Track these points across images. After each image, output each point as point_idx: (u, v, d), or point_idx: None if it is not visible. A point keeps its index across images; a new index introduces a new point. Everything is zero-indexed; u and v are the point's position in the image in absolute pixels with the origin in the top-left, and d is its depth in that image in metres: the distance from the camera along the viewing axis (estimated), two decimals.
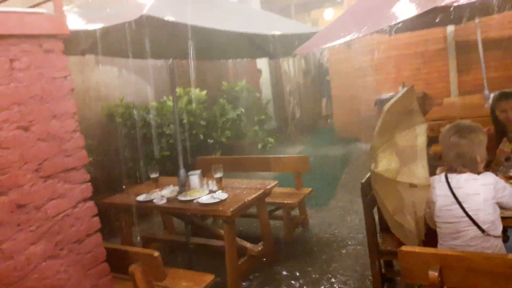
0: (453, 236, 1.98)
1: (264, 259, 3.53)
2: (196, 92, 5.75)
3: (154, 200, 3.26)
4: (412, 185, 1.98)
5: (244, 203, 3.08)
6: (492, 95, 3.92)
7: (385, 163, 2.13)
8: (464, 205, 1.94)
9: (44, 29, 1.94)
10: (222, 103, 5.85)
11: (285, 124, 9.25)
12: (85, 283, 2.03)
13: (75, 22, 2.68)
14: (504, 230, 1.99)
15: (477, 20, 4.82)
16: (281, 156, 4.49)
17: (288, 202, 3.91)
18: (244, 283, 3.30)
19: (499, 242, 1.95)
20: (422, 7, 2.11)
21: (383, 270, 2.84)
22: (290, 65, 9.88)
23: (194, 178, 3.36)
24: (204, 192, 3.28)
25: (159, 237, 4.07)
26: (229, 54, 4.40)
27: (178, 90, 5.69)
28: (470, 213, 1.92)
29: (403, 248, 1.87)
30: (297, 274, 3.38)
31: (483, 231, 1.90)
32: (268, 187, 3.40)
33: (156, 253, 2.13)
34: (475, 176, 1.99)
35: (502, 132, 2.80)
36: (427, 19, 4.31)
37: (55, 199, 1.95)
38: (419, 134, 2.07)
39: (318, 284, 3.20)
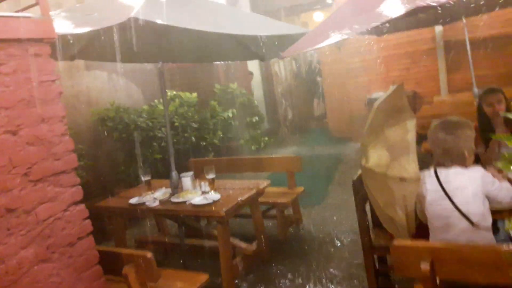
0: (444, 230, 2.00)
1: (259, 258, 3.53)
2: (187, 95, 5.76)
3: (146, 203, 3.25)
4: (402, 179, 2.00)
5: (237, 203, 3.08)
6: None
7: (376, 158, 2.15)
8: (454, 199, 1.96)
9: (31, 33, 1.93)
10: (213, 105, 5.86)
11: (277, 125, 9.28)
12: (78, 286, 2.02)
13: (63, 26, 2.68)
14: (494, 222, 2.01)
15: (464, 20, 4.89)
16: (274, 156, 4.51)
17: (281, 201, 3.92)
18: (238, 283, 3.30)
19: (489, 234, 1.98)
20: (407, 6, 2.13)
21: (377, 265, 2.85)
22: (281, 67, 9.91)
23: (187, 180, 3.36)
24: (197, 193, 3.27)
25: (153, 239, 4.06)
26: (219, 57, 4.42)
27: (169, 93, 5.70)
28: (459, 206, 1.94)
29: (395, 242, 1.88)
30: (292, 272, 3.39)
31: (473, 223, 1.92)
32: (261, 186, 3.41)
33: (149, 254, 2.13)
34: (464, 170, 2.01)
35: (487, 127, 2.83)
36: (415, 20, 4.36)
37: (46, 203, 1.94)
38: (409, 130, 2.09)
39: (313, 282, 3.21)
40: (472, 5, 3.87)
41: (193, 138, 5.40)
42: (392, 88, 2.29)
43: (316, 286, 3.15)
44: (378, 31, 4.38)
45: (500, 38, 5.91)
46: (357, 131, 5.90)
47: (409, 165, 2.00)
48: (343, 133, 7.82)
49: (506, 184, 2.03)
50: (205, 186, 3.34)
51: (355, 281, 3.12)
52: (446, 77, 6.43)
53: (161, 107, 5.22)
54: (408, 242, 1.93)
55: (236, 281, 3.27)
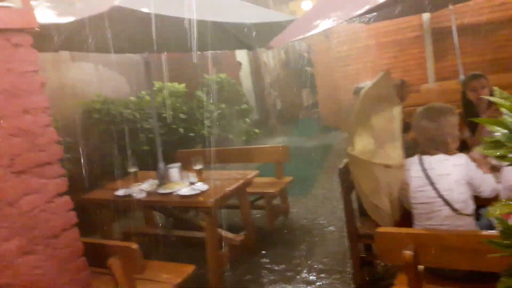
0: (428, 217, 2.02)
1: (246, 249, 3.55)
2: (175, 86, 5.71)
3: (133, 194, 3.23)
4: (387, 166, 2.02)
5: (225, 194, 3.08)
6: None
7: (362, 146, 2.15)
8: (437, 186, 1.98)
9: (12, 23, 1.89)
10: (200, 96, 5.82)
11: (266, 115, 9.26)
12: (63, 278, 2.01)
13: (45, 15, 2.63)
14: (477, 208, 2.04)
15: (450, 7, 4.89)
16: (262, 146, 4.51)
17: (269, 191, 3.93)
18: (226, 273, 3.31)
19: (472, 220, 2.00)
20: None
21: (362, 253, 2.88)
22: (269, 57, 9.87)
23: (174, 171, 3.35)
24: (184, 184, 3.27)
25: (140, 231, 4.04)
26: (206, 46, 4.37)
27: (157, 84, 5.65)
28: (443, 193, 1.96)
29: (379, 229, 1.90)
30: (279, 262, 3.41)
31: (455, 210, 1.95)
32: (249, 177, 3.41)
33: (134, 245, 2.12)
34: (447, 157, 2.03)
35: (472, 112, 2.87)
36: (402, 7, 4.36)
37: (30, 195, 1.92)
38: (394, 117, 2.10)
39: (300, 271, 3.23)
40: None
41: (181, 129, 5.37)
42: (379, 75, 2.29)
43: (303, 276, 3.18)
44: (366, 18, 4.38)
45: (487, 25, 5.93)
46: (347, 120, 5.91)
47: (394, 152, 2.01)
48: (335, 122, 7.84)
49: (489, 175, 2.06)
50: (193, 177, 3.34)
51: (341, 269, 3.15)
52: (433, 64, 6.45)
53: (148, 98, 5.17)
54: (392, 229, 1.95)
55: (223, 271, 3.28)
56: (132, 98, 5.45)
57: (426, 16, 6.33)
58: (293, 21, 3.17)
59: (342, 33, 6.89)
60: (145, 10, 2.48)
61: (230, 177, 3.42)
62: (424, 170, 2.02)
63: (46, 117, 2.02)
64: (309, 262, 3.33)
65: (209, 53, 7.09)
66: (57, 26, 2.66)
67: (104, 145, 5.02)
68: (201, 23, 2.97)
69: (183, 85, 5.81)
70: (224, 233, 3.46)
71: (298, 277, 3.16)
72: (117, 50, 3.95)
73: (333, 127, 7.85)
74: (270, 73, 9.75)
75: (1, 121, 1.83)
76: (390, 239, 1.87)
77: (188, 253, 3.60)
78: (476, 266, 1.71)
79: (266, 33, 3.22)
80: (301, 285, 3.06)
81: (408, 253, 1.75)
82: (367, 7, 2.20)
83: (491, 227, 2.04)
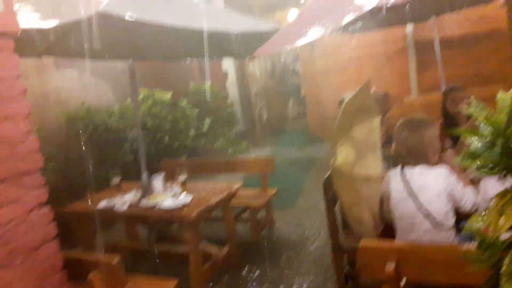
0: (409, 230, 2.03)
1: (230, 263, 3.50)
2: (160, 94, 5.68)
3: (115, 206, 3.18)
4: (367, 178, 2.03)
5: (209, 206, 3.05)
6: None
7: (343, 157, 2.16)
8: (418, 198, 1.99)
9: None
10: (182, 106, 5.80)
11: (252, 125, 9.27)
12: None
13: (28, 20, 2.60)
14: (457, 222, 2.06)
15: (433, 19, 4.98)
16: (247, 158, 4.49)
17: (254, 204, 3.90)
18: None
19: (453, 233, 2.02)
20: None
21: (346, 267, 2.88)
22: (256, 67, 9.91)
23: (157, 181, 3.31)
24: (168, 195, 3.23)
25: (122, 244, 3.97)
26: (191, 54, 4.36)
27: (142, 93, 5.61)
28: (424, 205, 1.98)
29: (362, 243, 1.90)
30: (262, 276, 3.37)
31: (436, 223, 1.96)
32: (233, 188, 3.39)
33: (116, 260, 2.08)
34: (428, 169, 2.05)
35: (452, 123, 2.92)
36: (386, 18, 4.42)
37: (8, 205, 1.87)
38: (374, 127, 2.11)
39: (284, 285, 3.20)
40: (442, 4, 3.96)
41: (166, 139, 5.33)
42: (360, 87, 2.31)
43: None
44: (350, 30, 4.43)
45: (468, 38, 6.06)
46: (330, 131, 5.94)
47: (374, 163, 2.03)
48: (322, 133, 7.87)
49: (470, 188, 2.08)
50: (177, 188, 3.30)
51: (325, 285, 3.13)
52: (416, 76, 6.55)
53: (133, 106, 5.13)
54: (374, 243, 1.95)
55: (207, 286, 3.24)
56: (116, 106, 5.40)
57: (409, 28, 6.44)
58: (278, 31, 3.17)
59: (327, 44, 6.95)
60: (129, 17, 2.46)
61: (214, 189, 3.39)
62: (405, 182, 2.04)
63: (27, 125, 1.99)
64: (292, 277, 3.30)
65: (195, 61, 7.12)
66: (40, 31, 2.62)
67: (88, 155, 4.95)
68: (187, 31, 2.95)
69: (169, 93, 5.79)
70: (208, 246, 3.42)
71: None
72: (102, 56, 3.93)
73: (320, 137, 7.89)
74: (256, 83, 9.78)
75: None
76: (373, 253, 1.87)
77: (171, 267, 3.54)
78: (456, 280, 1.72)
79: (251, 42, 3.22)
80: None
81: (390, 267, 1.75)
82: (351, 17, 2.22)
83: (472, 240, 2.06)
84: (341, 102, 6.66)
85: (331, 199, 2.63)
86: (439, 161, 2.16)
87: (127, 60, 3.67)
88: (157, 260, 3.51)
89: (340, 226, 2.79)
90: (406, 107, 5.89)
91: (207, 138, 6.04)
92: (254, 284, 3.28)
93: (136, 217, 3.43)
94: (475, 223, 1.23)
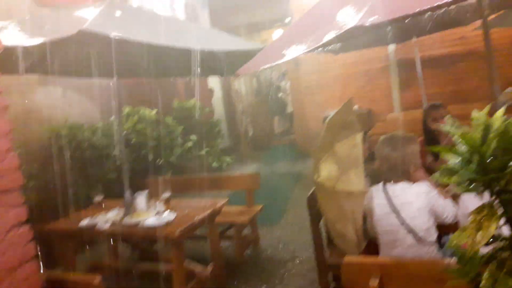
0: (392, 245, 2.05)
1: (214, 282, 3.44)
2: (145, 111, 5.67)
3: (98, 225, 3.13)
4: (349, 193, 2.05)
5: (193, 224, 3.01)
6: None
7: (326, 172, 2.18)
8: (401, 214, 2.02)
9: None
10: (167, 123, 5.79)
11: (238, 142, 9.28)
12: None
13: (11, 38, 2.59)
14: (439, 236, 2.09)
15: (414, 39, 5.12)
16: (232, 174, 4.48)
17: (239, 220, 3.86)
18: None
19: (435, 248, 2.05)
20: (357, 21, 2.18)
21: (331, 283, 2.87)
22: (241, 84, 9.98)
23: (141, 199, 3.27)
24: (151, 213, 3.19)
25: (105, 264, 3.88)
26: (177, 72, 4.39)
27: (127, 109, 5.60)
28: (406, 221, 2.00)
29: (346, 259, 1.90)
30: None
31: (419, 238, 1.99)
32: (218, 205, 3.36)
33: (97, 280, 2.03)
34: (410, 185, 2.08)
35: (432, 140, 2.99)
36: (368, 38, 4.53)
37: None
38: (356, 143, 2.14)
39: None
40: (422, 25, 4.08)
41: (151, 156, 5.30)
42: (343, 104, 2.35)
43: None
44: (334, 48, 4.52)
45: (449, 57, 6.24)
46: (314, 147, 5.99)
47: (357, 178, 2.05)
48: (310, 149, 7.90)
49: (450, 202, 2.12)
50: (160, 205, 3.27)
51: None
52: (399, 94, 6.69)
53: (116, 124, 5.11)
54: (358, 259, 1.95)
55: None
56: (99, 124, 5.36)
57: (391, 47, 6.59)
58: (262, 50, 3.21)
59: (311, 63, 7.07)
60: (113, 35, 2.46)
61: (198, 206, 3.35)
62: (387, 198, 2.07)
63: (7, 142, 1.96)
64: None
65: (182, 80, 7.15)
66: (24, 49, 2.61)
67: (70, 172, 4.88)
68: (172, 50, 2.97)
69: (154, 111, 5.78)
70: (192, 265, 3.37)
71: None
72: (86, 74, 3.92)
73: (307, 153, 7.93)
74: (242, 100, 9.84)
75: None
76: (357, 269, 1.88)
77: (154, 286, 3.47)
78: None
79: (237, 61, 3.25)
80: None
81: (374, 282, 1.76)
82: (332, 35, 2.26)
83: (453, 255, 2.08)
84: (325, 118, 6.74)
85: (316, 215, 2.64)
86: (421, 176, 2.20)
87: (112, 78, 3.67)
88: (140, 280, 3.44)
89: (325, 242, 2.79)
90: (389, 124, 5.99)
91: (192, 155, 6.02)
92: None
93: (118, 236, 3.37)
94: (457, 239, 1.25)
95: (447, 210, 2.06)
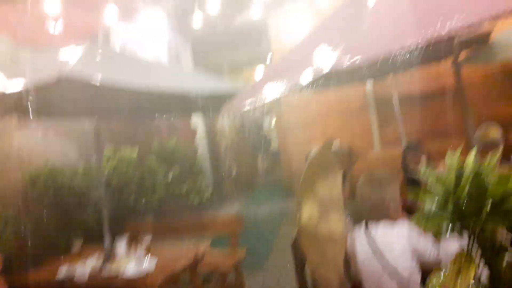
0: (376, 287, 2.02)
1: None
2: (126, 152, 5.62)
3: (76, 275, 3.00)
4: (331, 236, 2.02)
5: (174, 272, 2.91)
6: None
7: (307, 215, 2.16)
8: (384, 256, 2.00)
9: None
10: (150, 163, 5.74)
11: (221, 181, 9.22)
12: None
13: None
14: (423, 278, 2.06)
15: (390, 77, 5.27)
16: (214, 216, 4.40)
17: (223, 266, 3.74)
18: None
19: None
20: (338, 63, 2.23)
21: None
22: (225, 122, 10.04)
23: (120, 245, 3.18)
24: (131, 261, 3.07)
25: None
26: (159, 112, 4.40)
27: (108, 150, 5.54)
28: (390, 263, 1.98)
29: None
30: None
31: (403, 280, 1.96)
32: (200, 251, 3.23)
33: None
34: (392, 225, 2.08)
35: (412, 179, 3.03)
36: (346, 76, 4.64)
37: None
38: (336, 183, 2.14)
39: None
40: (397, 63, 4.21)
41: (132, 198, 5.21)
42: (323, 143, 2.36)
43: None
44: (315, 87, 4.61)
45: (425, 94, 6.38)
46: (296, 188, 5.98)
47: (337, 221, 2.03)
48: (293, 189, 7.87)
49: (432, 239, 2.11)
50: (140, 251, 3.17)
51: None
52: (378, 132, 6.79)
53: (97, 166, 5.04)
54: None
55: None
56: (80, 166, 5.28)
57: (369, 85, 6.75)
58: (244, 89, 3.25)
59: (292, 99, 7.17)
60: (95, 81, 2.47)
61: (180, 252, 3.24)
62: (370, 241, 2.05)
63: None
64: None
65: (163, 118, 7.16)
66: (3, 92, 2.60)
67: (49, 218, 4.74)
68: (154, 92, 2.99)
69: (135, 151, 5.73)
70: None
71: None
72: (66, 115, 3.89)
73: (292, 193, 7.89)
74: (225, 138, 9.87)
75: None
76: None
77: None
78: None
79: (219, 100, 3.28)
80: None
81: None
82: (310, 76, 2.31)
83: None
84: (307, 156, 6.79)
85: (300, 259, 2.59)
86: (402, 216, 2.20)
87: (92, 119, 3.66)
88: None
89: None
90: (370, 162, 6.06)
91: (173, 192, 5.94)
92: None
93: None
94: (436, 279, 1.25)
95: (429, 248, 2.05)
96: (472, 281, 1.20)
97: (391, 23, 1.91)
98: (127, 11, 6.27)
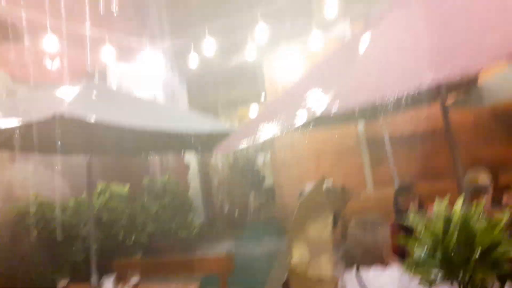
0: None
1: None
2: (117, 188, 5.59)
3: None
4: (320, 280, 2.00)
5: None
6: None
7: (298, 257, 2.14)
8: None
9: None
10: (142, 200, 5.71)
11: (213, 218, 9.13)
12: None
13: None
14: None
15: (381, 118, 5.35)
16: (204, 255, 4.33)
17: None
18: None
19: None
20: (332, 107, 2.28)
21: None
22: (218, 159, 10.05)
23: (108, 285, 3.11)
24: None
25: None
26: (152, 150, 4.42)
27: (99, 186, 5.51)
28: None
29: None
30: None
31: None
32: None
33: None
34: (383, 269, 2.06)
35: (404, 220, 3.03)
36: (337, 117, 4.72)
37: None
38: (326, 225, 2.13)
39: None
40: (387, 105, 4.30)
41: (121, 235, 5.13)
42: (315, 183, 2.36)
43: None
44: (307, 126, 4.67)
45: (416, 135, 6.49)
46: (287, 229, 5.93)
47: (326, 264, 2.02)
48: (287, 227, 7.79)
49: None
50: None
51: None
52: (370, 171, 6.83)
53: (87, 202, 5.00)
54: None
55: None
56: (70, 201, 5.23)
57: (361, 124, 6.85)
58: (238, 129, 3.30)
59: (285, 137, 7.24)
60: (89, 119, 2.50)
61: None
62: (361, 284, 2.03)
63: None
64: None
65: (156, 156, 7.17)
66: None
67: (36, 254, 4.64)
68: (148, 131, 3.02)
69: (127, 187, 5.70)
70: None
71: None
72: (59, 151, 3.89)
73: (284, 231, 7.80)
74: (218, 174, 9.86)
75: None
76: None
77: None
78: None
79: (212, 138, 3.32)
80: None
81: None
82: (304, 117, 2.34)
83: None
84: (300, 194, 6.79)
85: None
86: (393, 260, 2.19)
87: (86, 155, 3.66)
88: None
89: None
90: (363, 202, 6.06)
91: (163, 233, 5.86)
92: None
93: None
94: None
95: None
96: None
97: (380, 70, 1.97)
98: (124, 51, 6.41)
